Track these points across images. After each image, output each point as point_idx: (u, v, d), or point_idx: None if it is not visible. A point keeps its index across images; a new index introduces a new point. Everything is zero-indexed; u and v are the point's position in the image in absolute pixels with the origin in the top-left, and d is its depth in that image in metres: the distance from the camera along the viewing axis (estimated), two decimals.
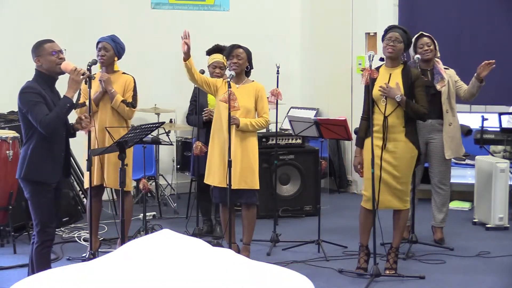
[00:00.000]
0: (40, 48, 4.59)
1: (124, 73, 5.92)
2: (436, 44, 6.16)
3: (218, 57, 6.37)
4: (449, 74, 6.19)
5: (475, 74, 6.07)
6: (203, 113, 6.41)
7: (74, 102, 4.78)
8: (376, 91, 5.30)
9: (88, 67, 5.38)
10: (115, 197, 6.80)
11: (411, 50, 6.17)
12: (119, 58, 5.86)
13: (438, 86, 6.10)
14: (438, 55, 6.19)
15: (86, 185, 5.86)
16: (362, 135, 5.45)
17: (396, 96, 5.23)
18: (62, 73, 4.64)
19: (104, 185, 5.79)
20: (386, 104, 5.28)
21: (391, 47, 5.32)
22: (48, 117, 4.45)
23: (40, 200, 4.55)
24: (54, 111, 4.49)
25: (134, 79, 5.92)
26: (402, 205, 5.41)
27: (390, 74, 5.36)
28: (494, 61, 6.04)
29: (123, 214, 5.08)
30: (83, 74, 4.60)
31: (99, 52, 5.75)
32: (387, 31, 5.41)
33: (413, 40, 6.17)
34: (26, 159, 4.54)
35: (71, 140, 4.85)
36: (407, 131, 5.34)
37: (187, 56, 5.39)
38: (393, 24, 5.51)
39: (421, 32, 6.19)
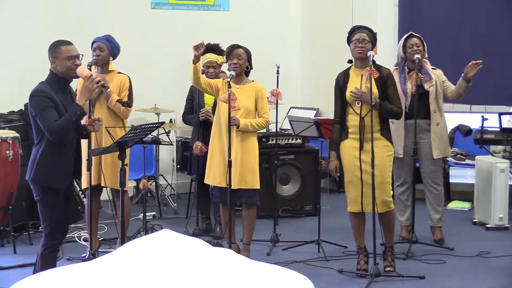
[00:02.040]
0: (57, 50, 4.49)
1: (119, 72, 5.90)
2: (425, 44, 6.17)
3: (210, 57, 6.36)
4: (437, 74, 6.20)
5: (462, 74, 6.08)
6: (200, 113, 6.41)
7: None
8: (349, 94, 5.29)
9: (88, 67, 5.38)
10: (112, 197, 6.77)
11: (400, 50, 6.20)
12: (114, 58, 5.84)
13: (426, 86, 6.11)
14: (426, 55, 6.19)
15: (84, 185, 5.87)
16: (337, 139, 5.41)
17: (369, 100, 5.21)
18: (77, 77, 4.57)
19: (102, 185, 5.78)
20: (361, 106, 5.26)
21: (360, 48, 5.32)
22: (57, 124, 4.36)
23: (49, 204, 4.50)
24: (63, 118, 4.39)
25: (129, 79, 5.89)
26: (387, 207, 5.36)
27: (362, 75, 5.35)
28: (481, 61, 6.05)
29: (123, 214, 5.08)
30: (97, 82, 4.50)
31: (94, 52, 5.74)
32: (351, 32, 5.40)
33: (402, 40, 6.20)
34: (35, 163, 4.47)
35: None
36: (383, 130, 5.33)
37: (197, 59, 5.40)
38: (357, 25, 5.49)
39: (410, 32, 6.21)
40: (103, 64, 5.79)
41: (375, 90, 5.28)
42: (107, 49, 5.74)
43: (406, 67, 6.14)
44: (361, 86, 5.27)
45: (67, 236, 6.55)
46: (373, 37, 5.37)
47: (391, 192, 5.44)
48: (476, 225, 7.05)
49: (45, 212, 4.52)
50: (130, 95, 5.86)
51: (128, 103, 5.81)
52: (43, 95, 4.40)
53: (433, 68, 6.21)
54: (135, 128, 5.00)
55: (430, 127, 6.16)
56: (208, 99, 6.51)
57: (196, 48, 5.38)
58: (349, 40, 5.41)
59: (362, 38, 5.31)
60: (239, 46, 5.64)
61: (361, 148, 5.26)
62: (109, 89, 5.69)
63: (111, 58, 5.82)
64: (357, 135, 5.27)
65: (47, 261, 4.55)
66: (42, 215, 4.53)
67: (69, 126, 4.43)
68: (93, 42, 5.79)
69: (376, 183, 5.24)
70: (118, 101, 5.71)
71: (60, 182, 4.52)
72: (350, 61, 5.47)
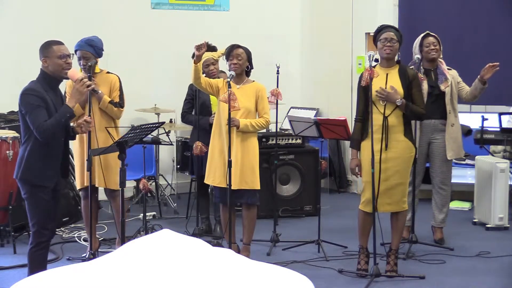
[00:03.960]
0: (48, 49, 4.51)
1: (108, 72, 5.84)
2: (441, 44, 6.16)
3: (206, 55, 6.34)
4: (452, 75, 6.19)
5: (479, 77, 6.07)
6: (212, 117, 6.36)
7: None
8: (374, 93, 5.29)
9: (88, 67, 5.37)
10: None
11: (416, 49, 6.16)
12: (100, 57, 5.72)
13: (442, 87, 6.10)
14: (441, 55, 6.19)
15: (78, 186, 5.88)
16: (358, 137, 5.41)
17: (396, 100, 5.22)
18: (67, 78, 4.58)
19: (96, 185, 5.75)
20: (385, 105, 5.27)
21: (388, 47, 5.31)
22: (46, 124, 4.39)
23: (36, 201, 4.52)
24: (53, 118, 4.42)
25: (119, 78, 5.83)
26: (400, 206, 5.39)
27: (387, 75, 5.35)
28: (498, 63, 6.03)
29: (123, 214, 5.07)
30: (88, 86, 4.52)
31: (80, 61, 5.59)
32: (379, 31, 5.40)
33: (418, 39, 6.17)
34: (23, 161, 4.51)
35: None
36: (406, 130, 5.33)
37: (198, 59, 5.40)
38: (384, 24, 5.49)
39: (427, 32, 6.18)
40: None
41: (400, 90, 5.28)
42: (92, 54, 5.60)
43: (421, 67, 6.11)
44: (386, 86, 5.27)
45: (67, 236, 6.60)
46: (400, 37, 5.37)
47: (407, 193, 5.45)
48: (476, 225, 7.05)
49: (32, 210, 4.54)
50: (121, 95, 5.80)
51: (120, 104, 5.75)
52: (34, 94, 4.43)
53: (448, 69, 6.19)
54: (135, 128, 4.99)
55: (445, 127, 6.16)
56: (214, 99, 6.48)
57: (198, 48, 5.37)
58: (375, 39, 5.40)
59: (390, 37, 5.31)
60: (238, 46, 5.63)
61: (385, 147, 5.25)
62: (100, 91, 5.66)
63: (98, 60, 5.74)
64: (380, 134, 5.25)
65: (35, 259, 4.56)
66: (30, 213, 4.55)
67: (58, 127, 4.47)
68: (75, 51, 5.60)
69: (395, 184, 5.29)
70: (110, 102, 5.67)
71: (47, 180, 4.54)
72: (376, 60, 5.44)
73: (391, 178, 5.29)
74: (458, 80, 6.24)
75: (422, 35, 6.17)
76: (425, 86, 6.03)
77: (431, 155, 6.23)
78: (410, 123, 5.42)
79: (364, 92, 5.37)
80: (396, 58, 5.49)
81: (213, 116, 6.34)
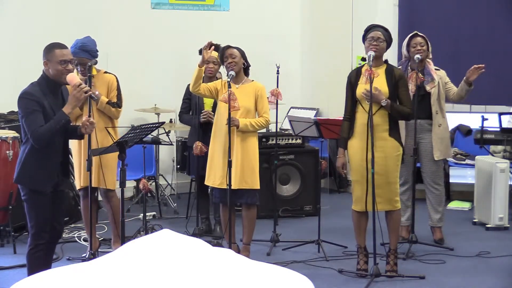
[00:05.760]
0: (50, 53, 4.45)
1: (106, 72, 5.83)
2: (429, 45, 6.15)
3: (211, 53, 6.33)
4: (440, 75, 6.19)
5: (464, 78, 6.08)
6: (201, 114, 6.38)
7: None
8: (360, 92, 5.29)
9: (88, 67, 5.36)
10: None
11: (403, 49, 6.18)
12: (96, 58, 5.67)
13: (427, 87, 6.10)
14: (430, 56, 6.18)
15: (78, 186, 5.88)
16: (346, 136, 5.42)
17: (381, 101, 5.22)
18: (67, 83, 4.53)
19: (93, 185, 5.75)
20: (370, 104, 5.26)
21: (374, 46, 5.32)
22: (41, 129, 4.34)
23: (35, 204, 4.49)
24: (47, 125, 4.36)
25: (116, 78, 5.82)
26: (392, 206, 5.39)
27: (361, 75, 5.36)
28: (483, 65, 6.04)
29: (123, 214, 5.07)
30: (86, 92, 4.45)
31: (77, 67, 5.55)
32: (367, 30, 5.41)
33: (406, 39, 6.19)
34: (20, 164, 4.48)
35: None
36: (391, 129, 5.33)
37: (204, 63, 5.42)
38: (373, 24, 5.51)
39: (415, 32, 6.19)
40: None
41: (385, 89, 5.28)
42: (88, 59, 5.56)
43: (409, 67, 6.12)
44: (371, 86, 5.27)
45: (67, 236, 6.60)
46: (388, 37, 5.38)
47: (398, 192, 5.44)
48: (476, 225, 7.05)
49: (31, 213, 4.51)
50: (119, 95, 5.79)
51: (118, 104, 5.74)
52: (31, 98, 4.37)
53: (436, 69, 6.19)
54: (135, 128, 4.98)
55: (432, 127, 6.16)
56: (207, 99, 6.49)
57: (206, 51, 5.40)
58: (364, 38, 5.41)
59: (377, 36, 5.32)
60: (229, 47, 5.65)
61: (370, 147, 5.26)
62: (97, 92, 5.64)
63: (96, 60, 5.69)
64: (365, 134, 5.27)
65: (33, 261, 4.53)
66: (29, 215, 4.53)
67: (53, 134, 4.41)
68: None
69: (383, 183, 5.27)
70: (108, 102, 5.65)
71: (43, 184, 4.49)
72: (364, 59, 5.46)
73: (378, 177, 5.26)
74: (446, 80, 6.24)
75: (410, 35, 6.18)
76: (410, 86, 6.03)
77: (420, 155, 6.22)
78: (396, 123, 5.41)
79: (352, 91, 5.39)
80: (383, 58, 5.49)
81: (203, 114, 6.34)
